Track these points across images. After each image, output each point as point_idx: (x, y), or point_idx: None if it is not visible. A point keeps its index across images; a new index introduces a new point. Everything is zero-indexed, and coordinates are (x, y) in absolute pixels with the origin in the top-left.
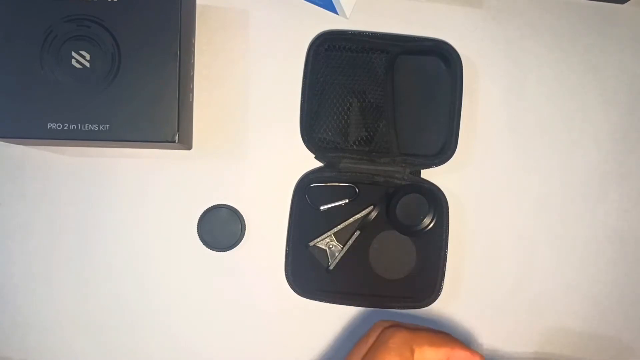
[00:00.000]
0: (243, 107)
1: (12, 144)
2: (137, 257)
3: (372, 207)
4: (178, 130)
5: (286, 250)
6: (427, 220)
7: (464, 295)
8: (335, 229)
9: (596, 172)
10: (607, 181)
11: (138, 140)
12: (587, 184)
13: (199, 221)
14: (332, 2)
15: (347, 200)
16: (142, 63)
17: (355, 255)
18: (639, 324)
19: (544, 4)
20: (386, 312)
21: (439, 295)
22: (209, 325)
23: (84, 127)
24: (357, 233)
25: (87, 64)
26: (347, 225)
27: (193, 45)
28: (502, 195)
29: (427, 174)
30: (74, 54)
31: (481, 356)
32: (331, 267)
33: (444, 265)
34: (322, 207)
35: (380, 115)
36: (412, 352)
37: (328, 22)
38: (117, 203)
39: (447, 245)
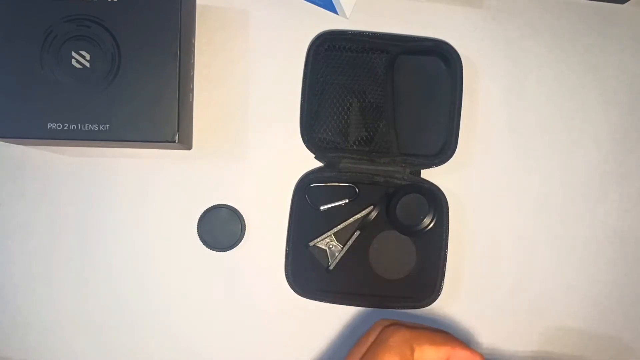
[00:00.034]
0: (243, 107)
1: (12, 144)
2: (137, 257)
3: (372, 207)
4: (178, 130)
5: (286, 250)
6: (427, 220)
7: (464, 295)
8: (335, 229)
9: (596, 172)
10: (607, 181)
11: (138, 140)
12: (587, 184)
13: (199, 221)
14: (332, 2)
15: (347, 200)
16: (142, 63)
17: (355, 255)
18: (639, 324)
19: (544, 4)
20: (386, 312)
21: (439, 295)
22: (209, 325)
23: (84, 127)
24: (357, 233)
25: (87, 64)
26: (347, 225)
27: (193, 45)
28: (502, 195)
29: (427, 174)
30: (74, 54)
31: (481, 356)
32: (331, 267)
33: (444, 265)
34: (322, 207)
35: (380, 115)
36: (412, 350)
37: (328, 22)
38: (117, 203)
39: (447, 245)
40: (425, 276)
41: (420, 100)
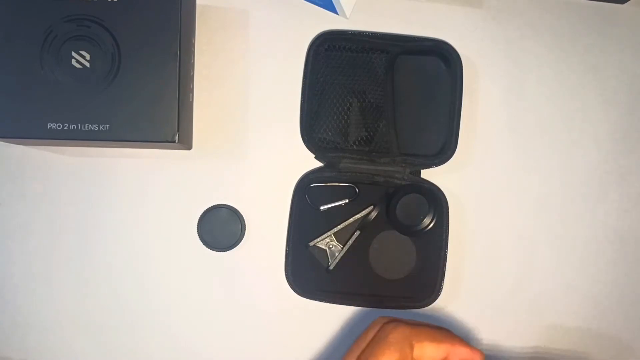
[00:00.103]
0: (243, 107)
1: (12, 144)
2: (137, 257)
3: (372, 207)
4: (178, 130)
5: (286, 250)
6: (427, 220)
7: (464, 295)
8: (335, 229)
9: (596, 172)
10: (607, 181)
11: (138, 140)
12: (587, 184)
13: (199, 221)
14: (332, 2)
15: (347, 200)
16: (142, 63)
17: (355, 255)
18: (639, 323)
19: (544, 4)
20: (386, 312)
21: (439, 295)
22: (209, 325)
23: (84, 127)
24: (357, 233)
25: (87, 64)
26: (347, 225)
27: (193, 45)
28: (502, 195)
29: (427, 174)
30: (74, 54)
31: (481, 353)
32: (331, 267)
33: (444, 265)
34: (322, 207)
35: (380, 115)
36: (412, 347)
37: (328, 22)
38: (117, 203)
39: (447, 245)
40: (425, 276)
41: (420, 100)
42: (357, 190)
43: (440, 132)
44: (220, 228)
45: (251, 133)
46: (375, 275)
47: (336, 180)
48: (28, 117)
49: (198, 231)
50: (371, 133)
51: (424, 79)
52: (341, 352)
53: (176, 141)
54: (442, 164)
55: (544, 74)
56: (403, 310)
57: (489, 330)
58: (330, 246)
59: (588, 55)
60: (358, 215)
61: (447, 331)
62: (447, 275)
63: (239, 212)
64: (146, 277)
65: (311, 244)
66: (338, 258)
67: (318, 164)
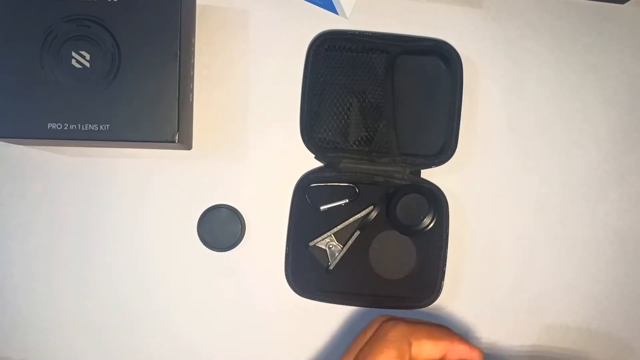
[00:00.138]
0: (243, 107)
1: (12, 144)
2: (137, 257)
3: (372, 207)
4: (178, 130)
5: (286, 250)
6: (427, 220)
7: (464, 295)
8: (335, 229)
9: (596, 172)
10: (607, 181)
11: (138, 140)
12: (587, 184)
13: (199, 221)
14: (332, 2)
15: (347, 200)
16: (142, 63)
17: (355, 255)
18: (639, 323)
19: (544, 4)
20: (386, 312)
21: (439, 295)
22: (209, 325)
23: (84, 127)
24: (357, 233)
25: (87, 64)
26: (347, 225)
27: (193, 45)
28: (502, 195)
29: (427, 174)
30: (74, 54)
31: (480, 350)
32: (331, 267)
33: (444, 265)
34: (322, 207)
35: (380, 115)
36: (410, 345)
37: (328, 22)
38: (117, 203)
39: (447, 245)
40: (425, 276)
41: (420, 100)
42: (357, 190)
43: (440, 132)
44: (220, 228)
45: (251, 133)
46: (375, 275)
47: (336, 180)
48: (28, 117)
49: (198, 231)
50: (371, 133)
51: (424, 79)
52: (341, 352)
53: (176, 141)
54: (442, 164)
55: (544, 74)
56: (403, 310)
57: (489, 330)
58: (330, 246)
59: (588, 55)
60: (358, 215)
61: (446, 329)
62: (447, 275)
63: (239, 212)
64: (146, 277)
65: (311, 244)
66: (338, 258)
67: (318, 164)
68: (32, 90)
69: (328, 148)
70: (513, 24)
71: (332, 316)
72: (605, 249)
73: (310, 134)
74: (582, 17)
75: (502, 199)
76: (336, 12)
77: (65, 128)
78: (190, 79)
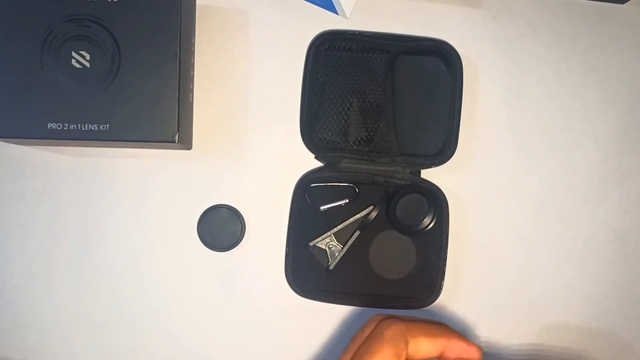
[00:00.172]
0: (243, 107)
1: (12, 144)
2: (137, 257)
3: (372, 207)
4: (178, 130)
5: (286, 250)
6: (427, 220)
7: (464, 295)
8: (335, 229)
9: (596, 172)
10: (607, 181)
11: (138, 140)
12: (587, 184)
13: (199, 221)
14: (332, 2)
15: (347, 200)
16: (142, 63)
17: (355, 255)
18: (639, 323)
19: (544, 4)
20: (386, 312)
21: (439, 295)
22: (209, 325)
23: (84, 127)
24: (357, 233)
25: (87, 64)
26: (347, 225)
27: (193, 45)
28: (502, 195)
29: (427, 174)
30: (74, 54)
31: (478, 347)
32: (331, 267)
33: (444, 265)
34: (322, 207)
35: (380, 115)
36: (407, 343)
37: (328, 22)
38: (117, 203)
39: (447, 245)
40: (425, 276)
41: (420, 100)
42: (357, 190)
43: (440, 132)
44: (220, 228)
45: (251, 133)
46: (375, 275)
47: (336, 180)
48: (28, 117)
49: (198, 231)
50: (371, 133)
51: (424, 79)
52: (341, 352)
53: (176, 141)
54: (442, 164)
55: (544, 74)
56: (403, 310)
57: (489, 330)
58: (330, 246)
59: (588, 55)
60: (358, 215)
61: (444, 326)
62: (447, 275)
63: (239, 212)
64: (146, 277)
65: (311, 244)
66: (338, 258)
67: (318, 164)
68: (32, 90)
69: (328, 148)
70: (513, 24)
71: (332, 316)
72: (605, 249)
73: (310, 134)
74: (582, 17)
75: (502, 199)
76: (336, 12)
77: (65, 128)
78: (190, 79)
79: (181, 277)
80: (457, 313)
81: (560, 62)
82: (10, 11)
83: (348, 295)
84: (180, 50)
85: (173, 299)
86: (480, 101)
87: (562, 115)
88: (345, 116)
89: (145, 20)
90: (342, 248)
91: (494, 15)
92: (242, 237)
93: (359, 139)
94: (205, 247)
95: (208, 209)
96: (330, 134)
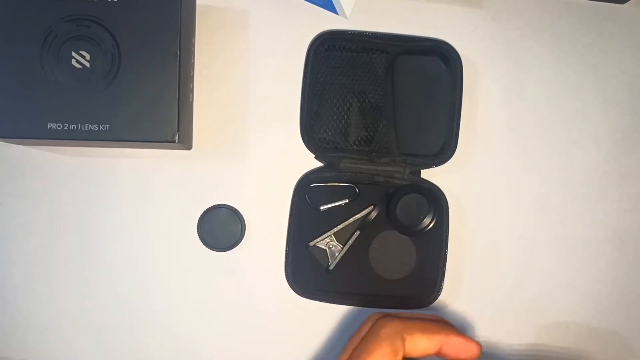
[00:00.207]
0: (243, 107)
1: (12, 144)
2: (137, 257)
3: (372, 207)
4: (178, 130)
5: (286, 250)
6: (427, 220)
7: (464, 295)
8: (335, 229)
9: (596, 172)
10: (607, 181)
11: (138, 140)
12: (587, 184)
13: (199, 221)
14: (332, 2)
15: (347, 200)
16: (142, 63)
17: (355, 255)
18: (639, 323)
19: (544, 4)
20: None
21: (439, 295)
22: (209, 325)
23: (84, 127)
24: (357, 233)
25: (87, 64)
26: (347, 225)
27: (193, 45)
28: (502, 195)
29: (427, 174)
30: (74, 54)
31: (477, 343)
32: (331, 267)
33: (444, 265)
34: (322, 207)
35: (380, 115)
36: (404, 340)
37: (328, 22)
38: (117, 203)
39: (447, 245)
40: (425, 276)
41: (420, 100)
42: (357, 190)
43: (440, 132)
44: (220, 228)
45: (251, 133)
46: (375, 275)
47: (336, 180)
48: (28, 117)
49: (198, 231)
50: (371, 133)
51: (424, 79)
52: (340, 352)
53: (176, 141)
54: (442, 164)
55: (544, 74)
56: (403, 311)
57: (489, 330)
58: (330, 246)
59: (588, 55)
60: (358, 215)
61: (442, 323)
62: (447, 275)
63: (239, 212)
64: (146, 277)
65: (311, 244)
66: (338, 258)
67: (318, 164)
68: (32, 90)
69: (328, 148)
70: (513, 24)
71: (332, 316)
72: (605, 249)
73: (310, 134)
74: (582, 17)
75: (502, 199)
76: (336, 12)
77: (65, 128)
78: (190, 79)
79: (181, 277)
80: (457, 313)
81: (560, 62)
82: (10, 11)
83: (348, 295)
84: (180, 50)
85: (173, 299)
86: (480, 101)
87: (562, 115)
88: (345, 116)
89: (145, 20)
90: (342, 248)
91: (494, 15)
92: (242, 237)
93: (359, 139)
94: (205, 247)
95: (208, 209)
96: (330, 134)
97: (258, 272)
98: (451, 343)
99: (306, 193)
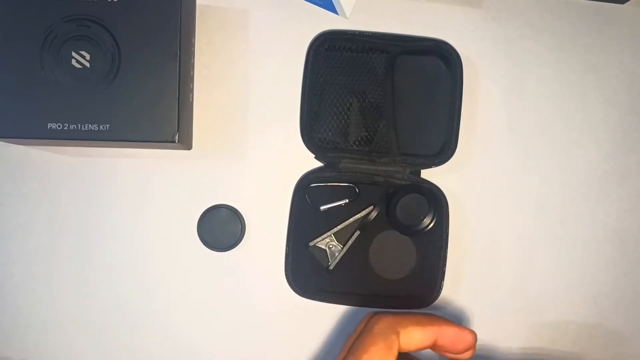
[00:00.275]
0: (243, 107)
1: (12, 144)
2: (137, 257)
3: (372, 207)
4: (178, 130)
5: (286, 250)
6: (427, 220)
7: (463, 295)
8: (335, 229)
9: (596, 172)
10: (607, 181)
11: (138, 140)
12: (587, 184)
13: (199, 221)
14: (332, 2)
15: (347, 200)
16: (142, 63)
17: (355, 255)
18: (639, 323)
19: (544, 4)
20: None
21: (439, 295)
22: (209, 325)
23: (84, 127)
24: (357, 233)
25: (87, 64)
26: (347, 225)
27: (193, 45)
28: (502, 195)
29: (427, 174)
30: (74, 54)
31: (471, 331)
32: (331, 267)
33: (444, 265)
34: (322, 207)
35: (380, 115)
36: (398, 334)
37: (328, 22)
38: (117, 203)
39: (447, 245)
40: (425, 276)
41: (420, 100)
42: (357, 190)
43: (440, 132)
44: (220, 228)
45: (251, 133)
46: (375, 275)
47: (336, 180)
48: (28, 117)
49: (198, 231)
50: (371, 133)
51: (424, 79)
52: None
53: (176, 141)
54: (442, 164)
55: (544, 74)
56: (403, 311)
57: (489, 330)
58: (330, 246)
59: (588, 55)
60: (358, 215)
61: (434, 316)
62: (447, 275)
63: (239, 212)
64: (146, 277)
65: (311, 244)
66: (338, 258)
67: (318, 164)
68: (32, 90)
69: (328, 148)
70: (513, 24)
71: (332, 316)
72: (605, 249)
73: (310, 134)
74: (582, 17)
75: (502, 199)
76: (336, 12)
77: (65, 128)
78: (190, 79)
79: (181, 277)
80: (457, 313)
81: (560, 62)
82: (10, 11)
83: (348, 295)
84: (180, 50)
85: (173, 299)
86: (480, 101)
87: (562, 115)
88: (345, 116)
89: (145, 20)
90: (342, 248)
91: (494, 15)
92: (242, 237)
93: (359, 139)
94: (205, 247)
95: (208, 209)
96: (330, 134)
97: (258, 272)
98: (445, 334)
99: (306, 193)
